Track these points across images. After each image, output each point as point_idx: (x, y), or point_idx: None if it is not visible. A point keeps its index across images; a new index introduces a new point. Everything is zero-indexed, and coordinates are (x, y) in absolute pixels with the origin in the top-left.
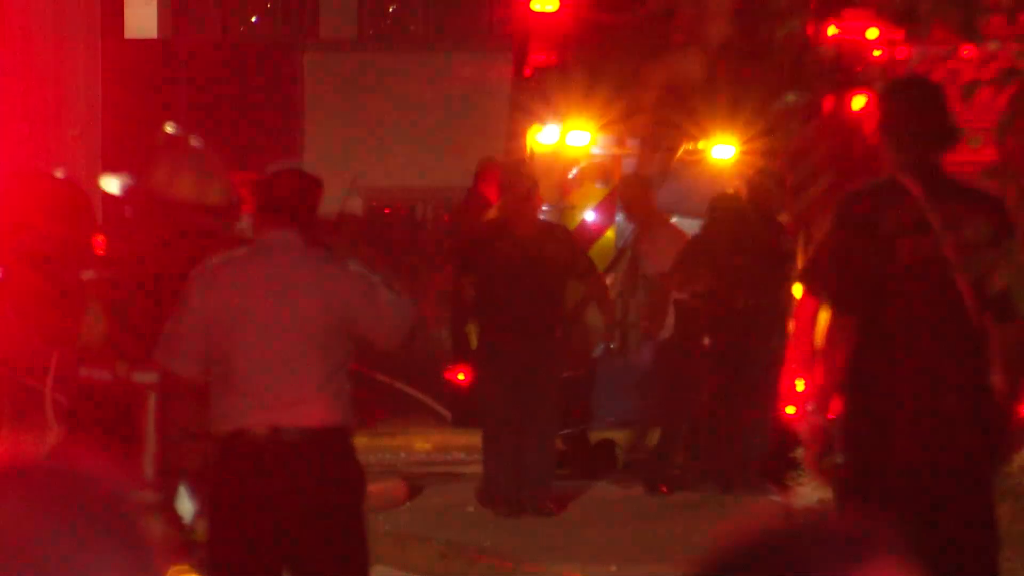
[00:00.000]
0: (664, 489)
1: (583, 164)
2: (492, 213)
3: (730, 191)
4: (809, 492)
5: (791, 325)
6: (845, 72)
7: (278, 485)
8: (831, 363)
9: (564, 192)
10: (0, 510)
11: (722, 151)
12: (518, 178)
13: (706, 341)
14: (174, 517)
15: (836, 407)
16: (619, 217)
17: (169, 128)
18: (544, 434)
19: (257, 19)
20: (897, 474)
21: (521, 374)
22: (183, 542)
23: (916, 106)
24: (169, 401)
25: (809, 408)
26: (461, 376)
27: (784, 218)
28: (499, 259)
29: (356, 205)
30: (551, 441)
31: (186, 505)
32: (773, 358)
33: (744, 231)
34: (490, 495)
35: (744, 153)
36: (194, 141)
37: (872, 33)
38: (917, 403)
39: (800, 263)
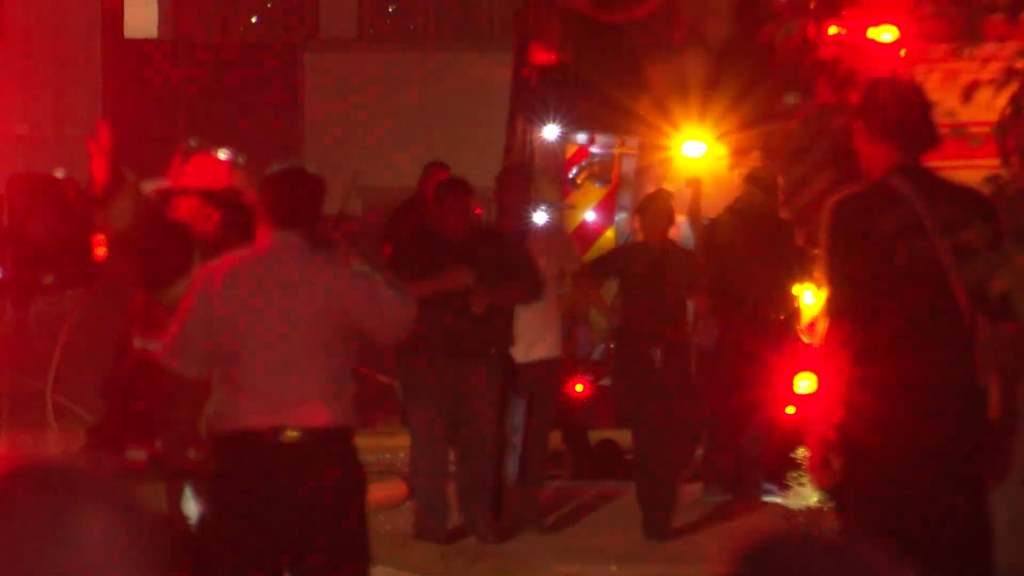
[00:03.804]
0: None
1: (583, 164)
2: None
3: (743, 191)
4: (809, 492)
5: (800, 331)
6: (845, 72)
7: (281, 485)
8: (831, 369)
9: (564, 192)
10: (1, 508)
11: (721, 151)
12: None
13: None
14: (180, 518)
15: (837, 412)
16: (619, 217)
17: (193, 142)
18: (480, 457)
19: (257, 19)
20: (893, 477)
21: (451, 400)
22: (188, 542)
23: (905, 107)
24: (172, 401)
25: (813, 414)
26: None
27: (783, 217)
28: (426, 265)
29: (356, 205)
30: (488, 463)
31: (191, 506)
32: (774, 358)
33: (752, 231)
34: (426, 526)
35: (744, 153)
36: (222, 153)
37: (872, 33)
38: (914, 406)
39: (803, 264)
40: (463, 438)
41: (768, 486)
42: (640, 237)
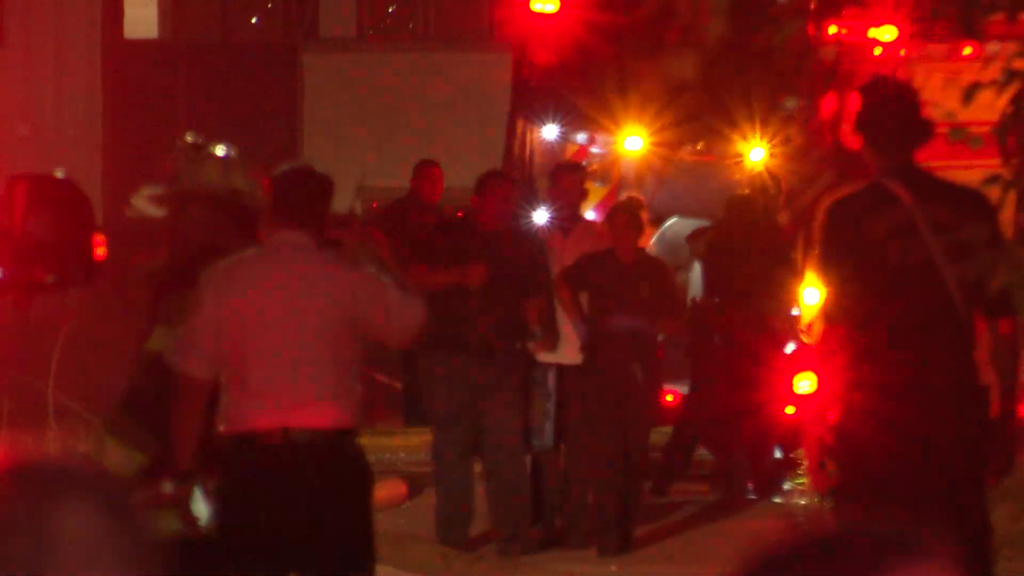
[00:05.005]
0: (670, 490)
1: (583, 164)
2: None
3: (743, 193)
4: (809, 492)
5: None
6: (845, 72)
7: (287, 486)
8: (827, 371)
9: None
10: (1, 508)
11: (721, 151)
12: (499, 180)
13: (716, 342)
14: (190, 519)
15: (834, 414)
16: None
17: (189, 137)
18: (512, 467)
19: (257, 19)
20: (892, 478)
21: (473, 397)
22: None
23: (891, 107)
24: (181, 402)
25: (810, 416)
26: None
27: (783, 219)
28: (456, 253)
29: (356, 205)
30: (522, 476)
31: (201, 507)
32: (772, 359)
33: (755, 234)
34: (449, 532)
35: (742, 154)
36: (219, 148)
37: (872, 33)
38: (911, 406)
39: (799, 264)
40: (489, 445)
41: (769, 486)
42: (610, 246)
